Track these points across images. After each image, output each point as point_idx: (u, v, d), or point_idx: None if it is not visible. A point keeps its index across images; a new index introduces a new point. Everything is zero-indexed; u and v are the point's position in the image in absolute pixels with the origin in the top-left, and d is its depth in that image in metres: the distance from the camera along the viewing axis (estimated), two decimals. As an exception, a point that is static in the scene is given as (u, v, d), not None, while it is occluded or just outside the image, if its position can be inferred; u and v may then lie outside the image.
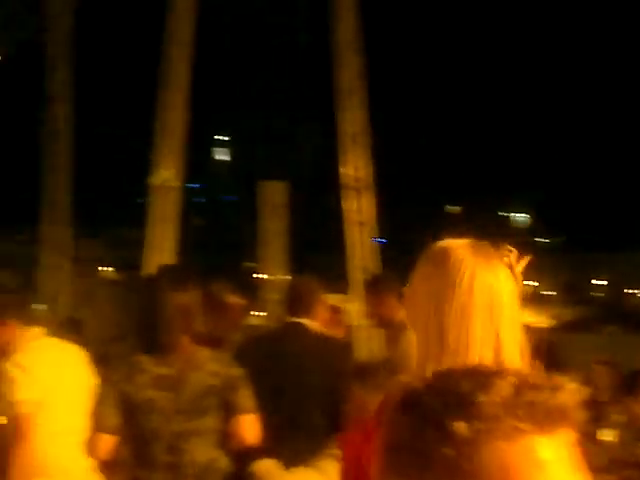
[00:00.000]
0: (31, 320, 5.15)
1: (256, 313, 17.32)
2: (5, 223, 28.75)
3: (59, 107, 17.36)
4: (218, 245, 35.50)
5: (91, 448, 4.49)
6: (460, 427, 1.20)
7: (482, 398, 1.21)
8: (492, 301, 2.53)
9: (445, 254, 2.59)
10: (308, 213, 25.68)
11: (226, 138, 52.51)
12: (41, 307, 17.19)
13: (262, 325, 14.63)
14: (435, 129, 52.56)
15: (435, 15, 49.11)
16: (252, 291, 19.26)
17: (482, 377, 1.25)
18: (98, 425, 4.48)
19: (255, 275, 25.75)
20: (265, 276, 21.89)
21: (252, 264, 30.85)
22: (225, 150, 53.02)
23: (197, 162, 22.28)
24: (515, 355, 2.54)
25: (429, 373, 2.42)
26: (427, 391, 1.30)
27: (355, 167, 17.48)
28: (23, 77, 18.06)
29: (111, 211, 33.58)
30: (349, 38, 17.12)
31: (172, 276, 4.78)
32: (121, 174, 28.71)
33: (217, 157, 52.41)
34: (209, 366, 4.66)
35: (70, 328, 8.68)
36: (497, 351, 2.51)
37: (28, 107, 18.73)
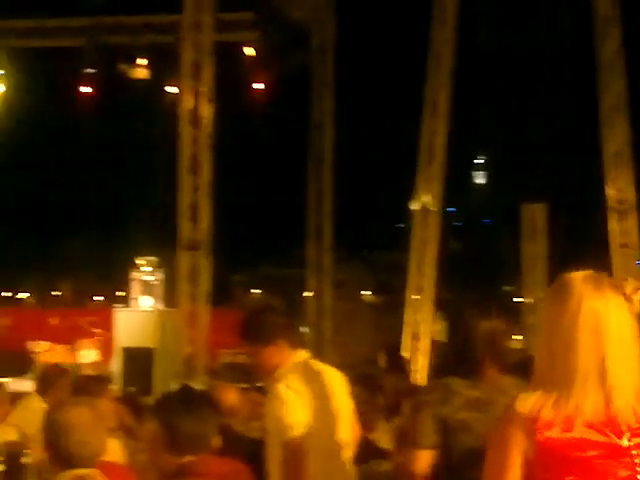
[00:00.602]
0: (297, 342, 5.22)
1: (517, 337, 17.17)
2: (276, 248, 29.74)
3: (324, 134, 17.92)
4: (476, 269, 35.34)
5: (411, 464, 4.64)
6: None
7: None
8: (598, 326, 2.64)
9: (561, 282, 2.75)
10: (569, 235, 25.16)
11: (482, 161, 52.36)
12: (304, 329, 17.68)
13: (523, 349, 14.47)
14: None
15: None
16: (512, 315, 19.09)
17: None
18: (418, 442, 4.66)
19: (515, 299, 25.51)
20: (525, 299, 21.65)
21: (511, 287, 30.53)
22: (483, 173, 52.84)
23: (455, 185, 22.36)
24: (625, 382, 2.64)
25: (542, 395, 2.65)
26: None
27: (619, 188, 17.07)
28: (291, 105, 18.70)
29: (370, 235, 34.04)
30: (612, 57, 16.79)
31: (480, 307, 4.99)
32: (381, 199, 29.11)
33: (475, 180, 52.32)
34: (513, 392, 4.79)
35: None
36: (602, 376, 2.63)
37: (295, 134, 19.36)
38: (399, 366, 10.30)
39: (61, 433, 3.66)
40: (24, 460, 4.98)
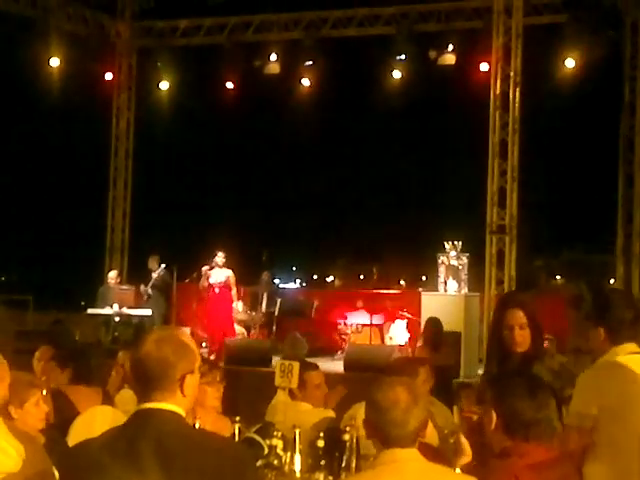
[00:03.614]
0: (624, 336, 5.03)
1: None
2: (579, 233, 29.12)
3: (635, 116, 17.24)
4: None
5: None
6: None
7: None
8: None
9: None
10: None
11: None
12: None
13: None
14: None
15: None
16: None
17: None
18: None
19: None
20: None
21: None
22: None
23: None
24: None
25: None
26: None
27: None
28: (601, 86, 18.13)
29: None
30: None
31: None
32: None
33: None
34: None
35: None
36: None
37: (605, 116, 18.76)
38: None
39: (379, 411, 3.74)
40: (344, 437, 5.12)
